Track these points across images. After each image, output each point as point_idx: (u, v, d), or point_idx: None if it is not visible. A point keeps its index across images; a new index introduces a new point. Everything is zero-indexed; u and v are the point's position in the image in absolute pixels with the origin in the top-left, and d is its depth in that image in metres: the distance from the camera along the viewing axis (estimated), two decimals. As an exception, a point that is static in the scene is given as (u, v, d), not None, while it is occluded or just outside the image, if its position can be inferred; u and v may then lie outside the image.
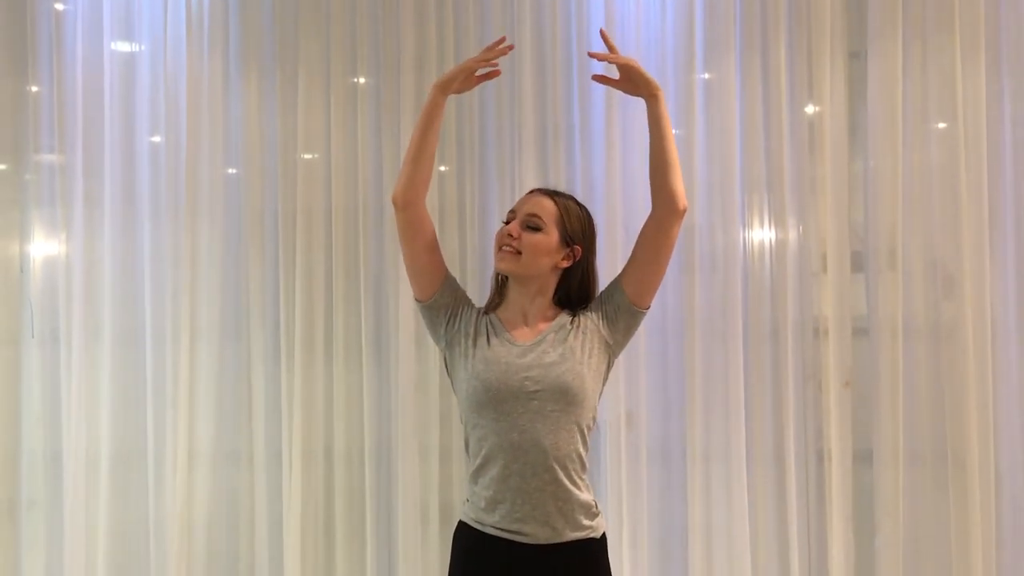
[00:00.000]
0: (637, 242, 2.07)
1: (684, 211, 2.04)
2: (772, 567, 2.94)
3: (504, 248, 2.01)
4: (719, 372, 2.93)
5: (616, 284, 2.06)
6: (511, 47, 2.06)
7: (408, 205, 2.03)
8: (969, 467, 2.85)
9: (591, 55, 2.12)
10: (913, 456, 2.91)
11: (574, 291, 2.07)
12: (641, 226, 2.08)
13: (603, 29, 2.23)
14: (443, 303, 2.05)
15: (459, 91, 2.09)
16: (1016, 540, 2.91)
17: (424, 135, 2.03)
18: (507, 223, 2.04)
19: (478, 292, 2.79)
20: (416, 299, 2.08)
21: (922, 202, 2.94)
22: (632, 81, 2.06)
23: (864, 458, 2.93)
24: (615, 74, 2.10)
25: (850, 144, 2.98)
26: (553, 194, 2.07)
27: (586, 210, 2.11)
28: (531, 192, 2.10)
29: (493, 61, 2.07)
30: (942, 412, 2.91)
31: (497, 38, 2.10)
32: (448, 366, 2.06)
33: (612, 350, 2.04)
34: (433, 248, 2.07)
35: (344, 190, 3.03)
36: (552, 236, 2.01)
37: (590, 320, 2.03)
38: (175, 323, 2.99)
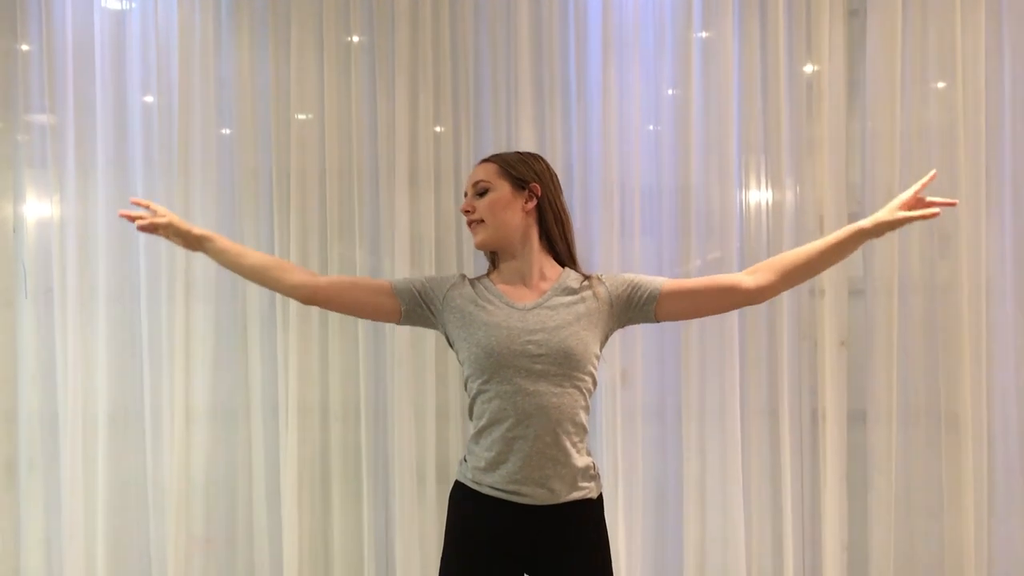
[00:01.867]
0: (704, 286, 2.02)
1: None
2: (766, 524, 2.97)
3: (470, 225, 2.05)
4: (715, 331, 2.93)
5: (654, 292, 2.01)
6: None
7: (307, 300, 2.06)
8: (962, 425, 2.87)
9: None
10: (907, 414, 2.94)
11: (555, 233, 2.06)
12: (718, 279, 2.05)
13: None
14: (413, 311, 2.06)
15: None
16: (1008, 497, 2.95)
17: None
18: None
19: (471, 248, 2.79)
20: (396, 323, 2.10)
21: (920, 162, 2.93)
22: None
23: (858, 416, 2.95)
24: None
25: (848, 104, 2.97)
26: (487, 159, 2.09)
27: (530, 154, 2.11)
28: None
29: None
30: (936, 371, 2.93)
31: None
32: (449, 342, 2.07)
33: (613, 327, 2.06)
34: (363, 294, 2.06)
35: (338, 149, 3.01)
36: (503, 188, 2.03)
37: (605, 292, 2.02)
38: (170, 282, 2.98)
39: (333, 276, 2.13)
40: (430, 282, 2.07)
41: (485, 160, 2.09)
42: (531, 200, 2.04)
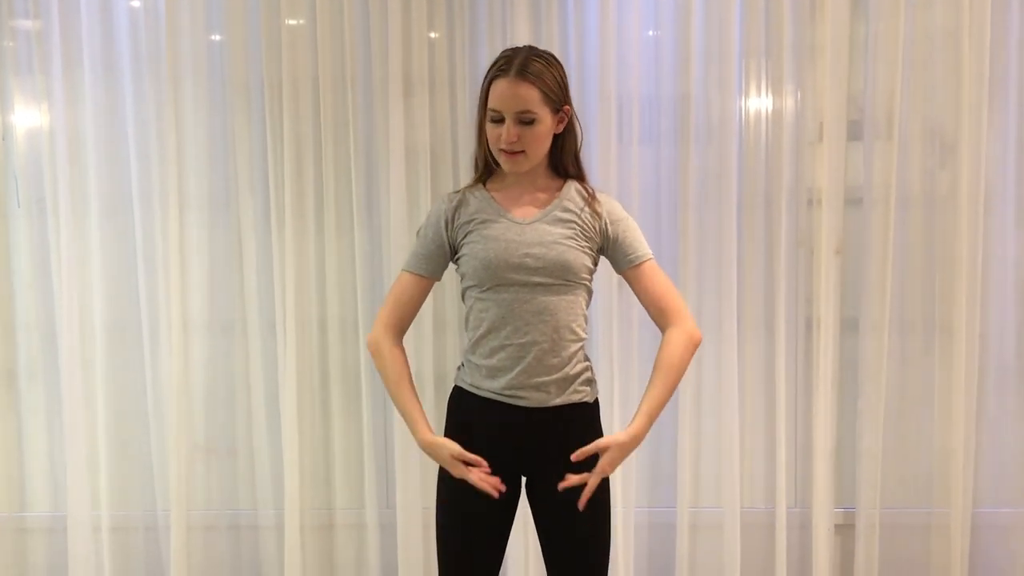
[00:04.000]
0: (649, 301, 2.05)
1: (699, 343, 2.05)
2: (759, 431, 3.02)
3: (508, 153, 1.95)
4: (712, 239, 2.93)
5: (623, 258, 2.04)
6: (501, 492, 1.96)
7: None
8: (956, 332, 2.89)
9: (563, 488, 1.96)
10: (901, 323, 2.96)
11: (569, 149, 2.05)
12: (660, 305, 2.05)
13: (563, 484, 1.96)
14: (441, 267, 2.09)
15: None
16: (999, 404, 2.99)
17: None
18: (494, 122, 1.95)
19: (468, 157, 2.76)
20: None
21: (923, 69, 2.88)
22: (617, 465, 2.00)
23: (852, 325, 2.96)
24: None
25: (852, 7, 2.90)
26: (523, 75, 1.92)
27: (554, 59, 2.01)
28: (501, 79, 1.93)
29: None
30: (932, 280, 2.93)
31: None
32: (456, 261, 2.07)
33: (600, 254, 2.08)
34: (417, 304, 2.11)
35: (331, 57, 2.94)
36: (546, 118, 1.95)
37: (600, 227, 2.02)
38: (163, 192, 2.95)
39: (401, 321, 2.10)
40: (444, 225, 2.03)
41: (524, 79, 1.91)
42: (562, 123, 2.01)
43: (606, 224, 2.02)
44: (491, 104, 1.95)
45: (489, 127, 1.97)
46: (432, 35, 2.96)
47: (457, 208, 2.03)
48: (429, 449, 2.02)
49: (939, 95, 2.89)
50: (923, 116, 2.90)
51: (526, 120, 1.93)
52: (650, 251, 2.05)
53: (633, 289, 2.06)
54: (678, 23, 2.91)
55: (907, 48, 2.86)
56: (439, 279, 2.10)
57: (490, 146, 2.00)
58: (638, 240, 2.04)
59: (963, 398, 2.90)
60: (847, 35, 2.88)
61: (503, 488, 1.94)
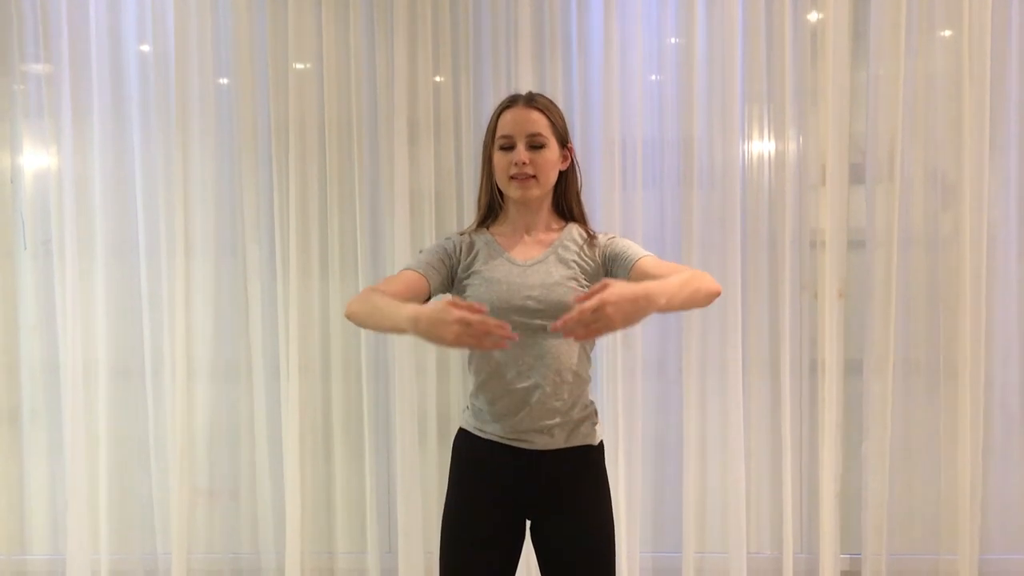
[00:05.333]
0: (664, 274, 1.85)
1: (719, 295, 1.86)
2: (764, 475, 2.99)
3: (521, 177, 1.95)
4: (717, 281, 2.91)
5: (624, 267, 1.94)
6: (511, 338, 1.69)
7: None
8: (960, 375, 2.88)
9: (556, 329, 1.67)
10: (906, 365, 2.94)
11: (572, 191, 2.06)
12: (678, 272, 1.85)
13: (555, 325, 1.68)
14: (441, 289, 2.01)
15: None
16: (1005, 447, 2.97)
17: (378, 330, 1.92)
18: (504, 149, 1.97)
19: (473, 201, 2.77)
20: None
21: (924, 112, 2.91)
22: (626, 320, 1.65)
23: (857, 367, 2.95)
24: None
25: (852, 53, 2.93)
26: (532, 104, 1.98)
27: (553, 102, 2.05)
28: (512, 108, 1.99)
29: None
30: (936, 322, 2.92)
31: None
32: (453, 295, 2.05)
33: None
34: (410, 294, 1.92)
35: (337, 100, 2.98)
36: (554, 147, 1.98)
37: (599, 259, 2.00)
38: (169, 235, 2.97)
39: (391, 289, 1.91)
40: (450, 252, 2.01)
41: (529, 107, 1.96)
42: (566, 161, 2.02)
43: (602, 249, 2.01)
44: (501, 132, 1.97)
45: (498, 156, 1.98)
46: (437, 79, 2.99)
47: (465, 246, 2.04)
48: (418, 316, 1.67)
49: (940, 138, 2.91)
50: (924, 159, 2.92)
51: (536, 144, 1.95)
52: (649, 252, 1.99)
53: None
54: (681, 68, 2.94)
55: (908, 92, 2.88)
56: (431, 291, 1.97)
57: (499, 177, 1.99)
58: (633, 247, 2.00)
59: (969, 441, 2.88)
60: (848, 80, 2.91)
61: (514, 337, 1.67)
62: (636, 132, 2.94)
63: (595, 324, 1.62)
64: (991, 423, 2.95)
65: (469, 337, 1.63)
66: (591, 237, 2.04)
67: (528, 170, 1.95)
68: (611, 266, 2.00)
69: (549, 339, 1.94)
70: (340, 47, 2.98)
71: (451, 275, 2.02)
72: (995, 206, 2.92)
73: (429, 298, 1.98)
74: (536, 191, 1.97)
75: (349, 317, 1.85)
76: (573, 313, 1.61)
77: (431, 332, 1.64)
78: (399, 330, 1.72)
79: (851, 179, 2.94)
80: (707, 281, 1.81)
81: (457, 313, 1.62)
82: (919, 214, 2.93)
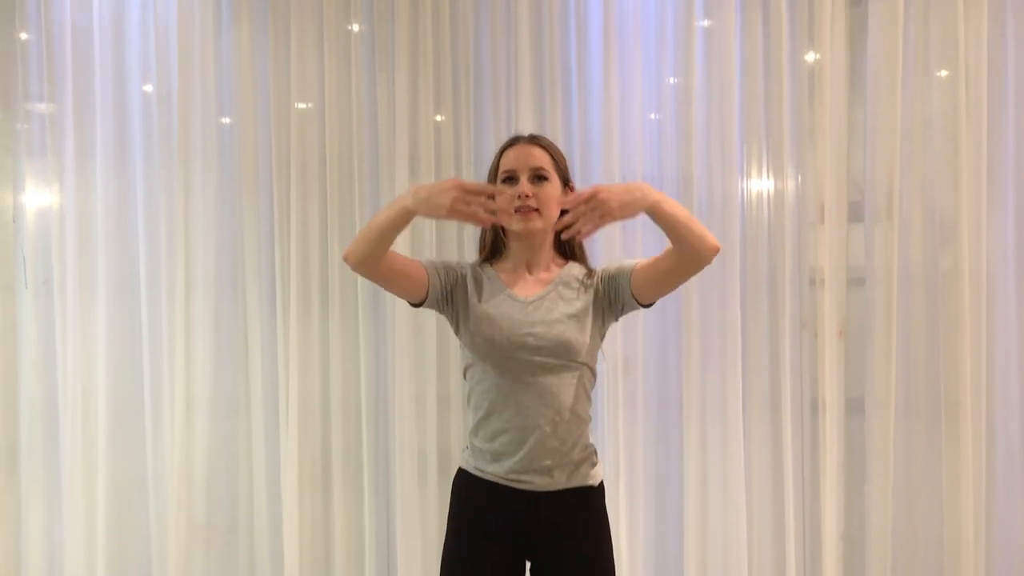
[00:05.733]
0: (661, 263, 1.90)
1: (718, 251, 1.86)
2: (766, 515, 2.97)
3: (524, 209, 1.94)
4: (716, 320, 2.93)
5: (625, 276, 1.96)
6: (497, 216, 1.86)
7: (364, 270, 1.89)
8: (962, 416, 2.87)
9: (561, 232, 1.86)
10: (907, 405, 2.93)
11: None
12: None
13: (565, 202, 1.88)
14: (436, 295, 1.98)
15: (427, 216, 1.88)
16: (1008, 488, 2.94)
17: (382, 240, 1.84)
18: (505, 181, 1.97)
19: (473, 241, 2.78)
20: (412, 304, 2.02)
21: (921, 151, 2.92)
22: (623, 207, 1.78)
23: (857, 407, 2.95)
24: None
25: (850, 92, 2.96)
26: (534, 142, 2.00)
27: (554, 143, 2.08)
28: (514, 146, 2.01)
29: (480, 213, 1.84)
30: (937, 361, 2.92)
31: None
32: (454, 328, 2.05)
33: (612, 318, 2.03)
34: (404, 272, 1.93)
35: (339, 139, 3.01)
36: (556, 183, 1.99)
37: (600, 285, 2.00)
38: (170, 273, 2.98)
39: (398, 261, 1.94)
40: (455, 270, 2.02)
41: (532, 144, 1.99)
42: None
43: (600, 275, 2.01)
44: (505, 167, 1.98)
45: (502, 190, 1.97)
46: (438, 118, 3.02)
47: (472, 274, 2.03)
48: (416, 188, 1.80)
49: (938, 176, 2.92)
50: (923, 197, 2.93)
51: (540, 177, 1.96)
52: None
53: (648, 278, 1.93)
54: (680, 106, 2.96)
55: (905, 131, 2.90)
56: (428, 288, 1.95)
57: (502, 213, 1.96)
58: (627, 260, 2.01)
59: (971, 481, 2.87)
60: (845, 119, 2.94)
61: (508, 211, 1.83)
62: (636, 169, 2.95)
63: (594, 213, 1.76)
64: (993, 463, 2.93)
65: (464, 205, 1.77)
66: (590, 272, 2.04)
67: (531, 203, 1.95)
68: (614, 285, 1.99)
69: (549, 378, 1.93)
70: (342, 86, 3.01)
71: (448, 291, 2.00)
72: (993, 244, 2.92)
73: (424, 296, 1.97)
74: (539, 224, 1.97)
75: (347, 256, 1.86)
76: (569, 210, 1.78)
77: (429, 200, 1.77)
78: (398, 216, 1.80)
79: (850, 217, 2.95)
80: (708, 231, 1.85)
81: (456, 180, 1.79)
82: (918, 252, 2.93)
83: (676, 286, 1.98)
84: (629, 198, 1.78)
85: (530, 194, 1.94)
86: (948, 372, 2.90)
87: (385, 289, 2.02)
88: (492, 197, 1.87)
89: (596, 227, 1.80)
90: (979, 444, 2.88)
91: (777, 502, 2.95)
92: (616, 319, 2.04)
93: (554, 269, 2.04)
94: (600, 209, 1.77)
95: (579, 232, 1.80)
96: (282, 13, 3.02)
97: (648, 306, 2.01)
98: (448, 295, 2.00)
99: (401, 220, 1.82)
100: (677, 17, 2.96)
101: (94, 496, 3.00)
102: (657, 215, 1.80)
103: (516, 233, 1.99)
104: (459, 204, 1.78)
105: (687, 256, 1.86)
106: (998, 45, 2.91)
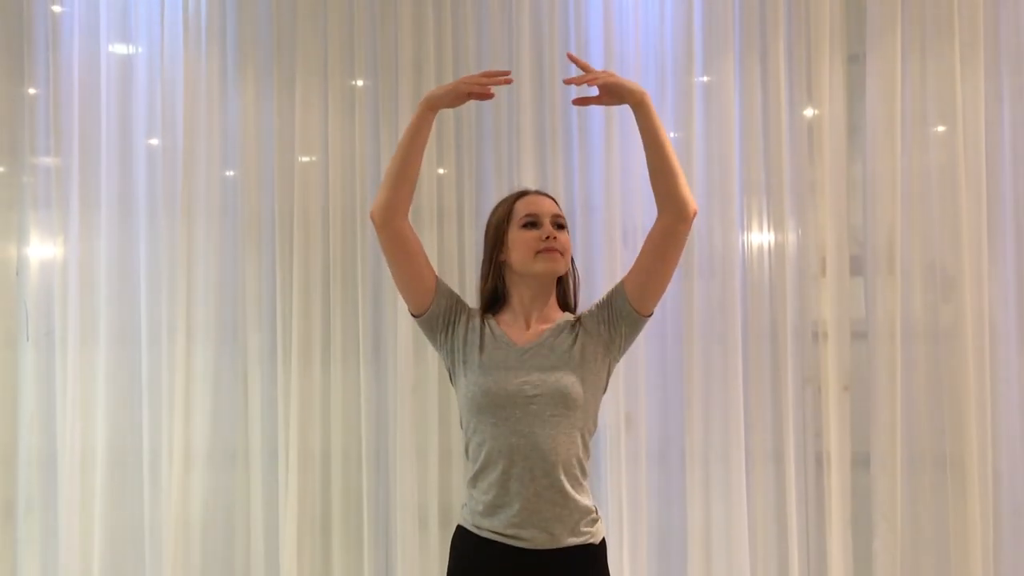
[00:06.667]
0: (643, 249, 1.98)
1: (695, 214, 1.95)
2: (771, 570, 2.93)
3: (549, 250, 1.97)
4: (718, 375, 2.92)
5: (619, 289, 2.00)
6: (511, 80, 2.02)
7: (388, 223, 1.96)
8: (968, 470, 2.84)
9: (567, 82, 2.03)
10: (912, 459, 2.91)
11: (570, 285, 2.08)
12: (647, 232, 1.98)
13: (570, 53, 2.14)
14: (439, 312, 2.00)
15: (449, 106, 2.05)
16: (1016, 543, 2.91)
17: (409, 152, 1.96)
18: (528, 227, 1.99)
19: (475, 296, 2.79)
20: (412, 314, 2.04)
21: (921, 205, 2.94)
22: (614, 94, 1.97)
23: (863, 461, 2.92)
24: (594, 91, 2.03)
25: (849, 147, 2.98)
26: (543, 193, 2.08)
27: None
28: (526, 196, 2.05)
29: (488, 87, 2.00)
30: (941, 415, 2.91)
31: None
32: (450, 372, 2.05)
33: (613, 355, 2.01)
34: (420, 261, 2.00)
35: (341, 193, 3.03)
36: (568, 235, 2.04)
37: (591, 323, 2.00)
38: (171, 325, 2.98)
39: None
40: (464, 304, 2.04)
41: (547, 196, 2.06)
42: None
43: (595, 318, 2.00)
44: (526, 211, 2.00)
45: (520, 234, 1.98)
46: (440, 171, 3.04)
47: (475, 315, 2.03)
48: (427, 102, 2.00)
49: (938, 230, 2.93)
50: (923, 251, 2.94)
51: (559, 225, 2.01)
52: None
53: (638, 273, 1.96)
54: (679, 159, 2.97)
55: (904, 185, 2.92)
56: (435, 296, 1.99)
57: (521, 255, 1.98)
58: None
59: (979, 536, 2.83)
60: (845, 173, 2.96)
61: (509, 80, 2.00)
62: (637, 222, 2.97)
63: (596, 74, 1.97)
64: (1000, 517, 2.90)
65: (471, 81, 1.98)
66: (577, 319, 2.02)
67: (557, 245, 1.98)
68: (607, 309, 1.99)
69: (547, 429, 1.91)
70: (345, 140, 3.04)
71: (451, 319, 2.01)
72: (995, 297, 2.93)
73: (427, 308, 1.99)
74: (562, 266, 2.00)
75: (373, 209, 1.99)
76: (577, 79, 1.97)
77: (441, 89, 2.00)
78: (417, 118, 1.97)
79: (851, 270, 2.96)
80: (685, 183, 2.00)
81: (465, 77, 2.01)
82: (919, 306, 2.93)
83: (668, 272, 1.97)
84: (630, 82, 1.98)
85: (556, 236, 1.98)
86: (952, 426, 2.88)
87: (394, 273, 2.02)
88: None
89: (598, 80, 1.96)
90: (986, 498, 2.86)
91: (782, 559, 2.91)
92: (620, 349, 2.01)
93: (553, 318, 2.04)
94: (603, 74, 1.97)
95: (583, 79, 1.97)
96: (287, 67, 3.06)
97: (649, 316, 1.99)
98: (449, 324, 2.01)
99: (421, 120, 1.97)
100: (677, 73, 3.00)
101: (91, 548, 2.97)
102: (645, 110, 1.96)
103: (536, 275, 1.99)
104: (469, 79, 1.99)
105: (670, 209, 1.94)
106: (994, 101, 2.94)
